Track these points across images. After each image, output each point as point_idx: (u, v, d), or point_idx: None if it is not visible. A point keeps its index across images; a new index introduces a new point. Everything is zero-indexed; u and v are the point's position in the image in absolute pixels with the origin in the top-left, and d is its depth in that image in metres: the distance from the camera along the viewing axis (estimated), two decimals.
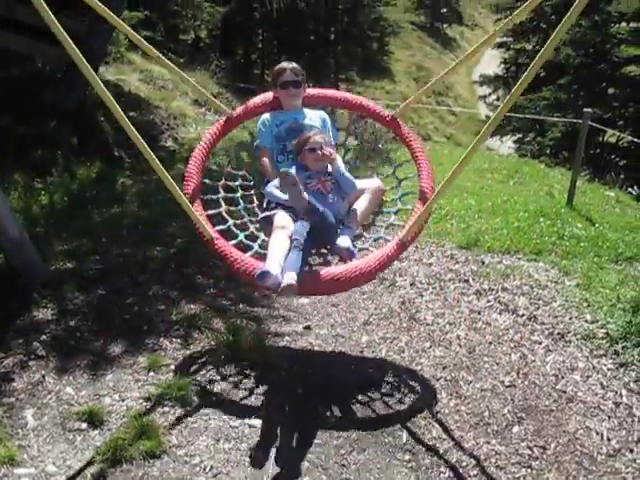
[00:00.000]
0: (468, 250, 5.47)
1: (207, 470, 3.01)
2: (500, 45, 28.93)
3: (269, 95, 4.11)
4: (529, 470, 3.05)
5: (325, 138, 3.73)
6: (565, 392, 3.63)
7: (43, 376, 3.66)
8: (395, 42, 34.58)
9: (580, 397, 3.59)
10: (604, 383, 3.71)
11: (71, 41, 2.80)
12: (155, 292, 4.65)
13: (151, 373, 3.74)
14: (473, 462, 3.10)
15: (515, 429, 3.34)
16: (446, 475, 3.03)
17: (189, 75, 3.94)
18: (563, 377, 3.76)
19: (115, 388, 3.60)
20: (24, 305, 4.31)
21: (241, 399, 3.56)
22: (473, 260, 5.25)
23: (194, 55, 17.80)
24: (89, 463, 3.01)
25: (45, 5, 2.73)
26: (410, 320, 4.43)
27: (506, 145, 22.49)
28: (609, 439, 3.27)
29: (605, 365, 3.88)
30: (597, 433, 3.31)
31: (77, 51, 2.82)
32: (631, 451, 3.19)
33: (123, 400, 3.49)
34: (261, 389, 3.65)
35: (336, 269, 3.36)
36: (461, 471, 3.05)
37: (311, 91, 4.19)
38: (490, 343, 4.11)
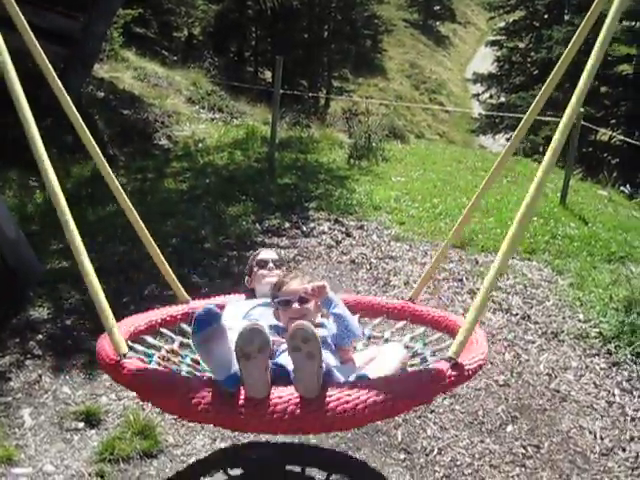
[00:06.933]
0: (462, 249, 5.50)
1: None
2: (493, 43, 29.09)
3: (238, 295, 3.29)
4: (523, 469, 3.09)
5: (305, 281, 2.65)
6: (558, 391, 3.67)
7: (40, 375, 3.67)
8: (388, 40, 34.65)
9: (573, 396, 3.63)
10: (597, 382, 3.76)
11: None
12: (150, 291, 4.65)
13: None
14: (467, 461, 3.13)
15: (509, 428, 3.37)
16: (441, 474, 3.05)
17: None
18: (556, 376, 3.80)
19: (112, 387, 3.61)
20: (20, 304, 4.32)
21: None
22: (467, 259, 5.28)
23: (187, 52, 17.79)
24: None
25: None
26: None
27: (498, 143, 22.56)
28: (602, 438, 3.31)
29: (598, 364, 3.92)
30: (590, 432, 3.35)
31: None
32: (624, 450, 3.23)
33: (120, 399, 3.51)
34: None
35: (349, 394, 1.88)
36: (455, 470, 3.07)
37: None
38: None
